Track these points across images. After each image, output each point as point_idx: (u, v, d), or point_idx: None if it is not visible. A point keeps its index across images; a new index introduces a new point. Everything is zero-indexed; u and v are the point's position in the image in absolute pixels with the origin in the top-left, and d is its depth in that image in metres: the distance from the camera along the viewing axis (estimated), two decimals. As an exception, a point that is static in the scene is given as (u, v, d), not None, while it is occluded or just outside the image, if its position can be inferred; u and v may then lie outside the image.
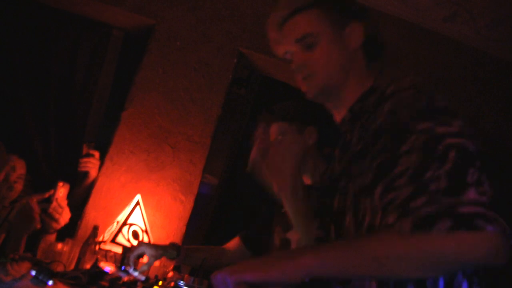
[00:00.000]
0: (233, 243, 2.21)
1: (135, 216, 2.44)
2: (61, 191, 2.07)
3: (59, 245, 2.12)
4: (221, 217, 2.99)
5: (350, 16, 1.18)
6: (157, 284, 1.95)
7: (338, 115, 1.20)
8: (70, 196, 2.16)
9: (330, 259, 0.91)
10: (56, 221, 2.08)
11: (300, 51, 1.18)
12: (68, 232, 2.35)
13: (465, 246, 0.80)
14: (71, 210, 2.17)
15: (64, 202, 2.10)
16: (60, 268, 1.89)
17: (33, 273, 1.02)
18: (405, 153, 0.90)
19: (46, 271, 1.04)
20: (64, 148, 2.86)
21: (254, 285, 0.92)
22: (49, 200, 2.06)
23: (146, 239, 2.42)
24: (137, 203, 2.45)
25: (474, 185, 0.85)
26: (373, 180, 0.96)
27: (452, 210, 0.81)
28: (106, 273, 1.81)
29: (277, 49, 1.25)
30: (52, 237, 2.15)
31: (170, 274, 2.30)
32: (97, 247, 2.25)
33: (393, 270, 0.87)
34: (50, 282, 1.02)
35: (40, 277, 1.02)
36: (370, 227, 0.98)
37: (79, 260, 2.12)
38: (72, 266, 2.11)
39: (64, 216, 2.11)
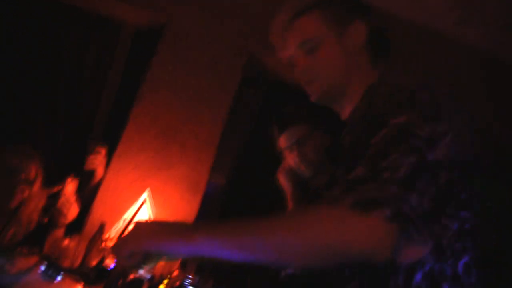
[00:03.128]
0: None
1: (142, 213, 2.43)
2: (70, 187, 2.08)
3: (66, 241, 2.12)
4: (228, 216, 2.98)
5: (352, 14, 1.17)
6: (162, 283, 1.94)
7: (344, 116, 1.20)
8: (78, 193, 2.16)
9: (221, 237, 0.89)
10: (64, 216, 2.09)
11: (302, 55, 1.18)
12: (75, 228, 2.35)
13: (381, 240, 0.81)
14: (79, 206, 2.17)
15: (72, 198, 2.10)
16: (66, 264, 1.89)
17: (43, 267, 1.01)
18: (373, 145, 0.89)
19: (55, 266, 1.04)
20: (72, 144, 2.86)
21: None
22: (57, 195, 2.06)
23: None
24: (144, 201, 2.45)
25: (420, 191, 0.84)
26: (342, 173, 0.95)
27: (396, 203, 0.82)
28: (111, 270, 1.81)
29: (281, 55, 1.25)
30: (60, 232, 2.15)
31: (175, 272, 2.30)
32: (103, 244, 2.25)
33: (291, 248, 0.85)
34: (59, 277, 1.01)
35: (50, 272, 1.01)
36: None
37: (85, 257, 2.12)
38: (78, 262, 2.11)
39: (72, 211, 2.11)
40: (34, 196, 2.05)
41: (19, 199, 1.99)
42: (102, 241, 2.22)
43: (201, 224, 1.02)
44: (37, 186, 2.08)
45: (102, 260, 1.94)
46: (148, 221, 1.02)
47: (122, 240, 1.02)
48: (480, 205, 0.97)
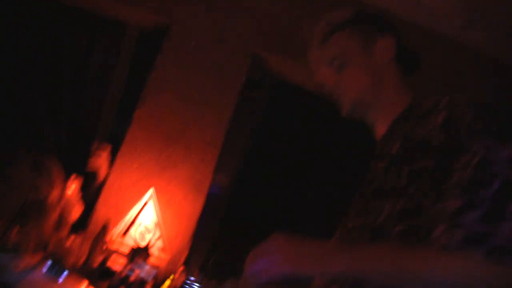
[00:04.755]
0: None
1: (146, 213, 2.44)
2: (73, 185, 2.08)
3: (70, 240, 2.13)
4: (231, 217, 2.98)
5: (379, 30, 1.20)
6: (165, 282, 1.95)
7: (378, 132, 1.20)
8: (81, 193, 2.17)
9: (366, 268, 0.89)
10: (68, 215, 2.09)
11: (332, 73, 1.20)
12: (79, 227, 2.36)
13: (492, 275, 0.80)
14: (83, 205, 2.18)
15: (75, 197, 2.10)
16: (70, 263, 1.89)
17: (48, 265, 1.01)
18: (457, 170, 0.89)
19: (60, 264, 1.04)
20: (77, 145, 2.87)
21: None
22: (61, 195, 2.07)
23: (156, 237, 2.42)
24: (148, 201, 2.46)
25: (510, 219, 0.83)
26: (405, 185, 0.95)
27: (489, 239, 0.81)
28: (115, 270, 1.81)
29: (316, 78, 1.26)
30: (64, 230, 2.15)
31: (179, 272, 2.31)
32: (106, 244, 2.25)
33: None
34: (64, 275, 1.01)
35: (55, 270, 1.01)
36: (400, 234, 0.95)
37: (89, 256, 2.12)
38: (82, 261, 2.12)
39: (76, 211, 2.12)
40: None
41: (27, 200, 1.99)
42: (105, 241, 2.23)
43: (341, 249, 0.96)
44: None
45: (105, 260, 1.94)
46: (283, 240, 0.95)
47: (257, 254, 0.97)
48: None
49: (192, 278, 1.88)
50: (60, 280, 0.99)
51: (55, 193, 1.96)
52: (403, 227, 0.95)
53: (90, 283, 1.11)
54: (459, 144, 0.91)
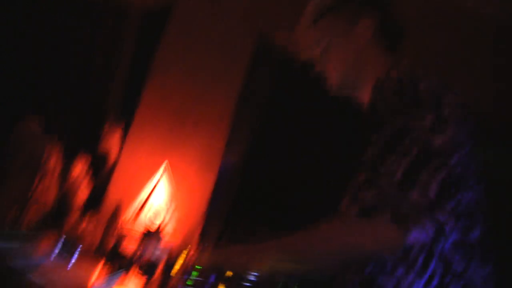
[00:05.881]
0: None
1: (157, 194, 2.45)
2: (79, 166, 2.09)
3: (84, 222, 2.15)
4: (243, 193, 2.99)
5: (362, 11, 1.27)
6: (179, 260, 1.96)
7: (363, 100, 1.27)
8: (89, 173, 2.17)
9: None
10: (75, 196, 2.11)
11: (317, 53, 1.29)
12: (93, 209, 2.38)
13: (387, 240, 0.94)
14: (91, 186, 2.19)
15: (81, 177, 2.11)
16: (85, 244, 1.91)
17: (58, 248, 1.02)
18: (372, 144, 1.01)
19: (71, 246, 1.04)
20: (86, 126, 2.87)
21: None
22: (68, 176, 2.08)
23: (168, 217, 2.44)
24: (159, 181, 2.47)
25: (421, 186, 0.93)
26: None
27: (394, 206, 0.92)
28: (128, 250, 1.83)
29: (302, 55, 1.35)
30: (76, 213, 2.17)
31: (192, 250, 2.32)
32: (120, 225, 2.27)
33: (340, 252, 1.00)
34: (75, 258, 1.02)
35: (66, 253, 1.02)
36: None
37: (103, 237, 2.15)
38: (97, 243, 2.14)
39: (83, 191, 2.12)
40: (53, 180, 2.07)
41: (38, 184, 2.01)
42: (119, 222, 2.25)
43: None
44: (56, 170, 2.09)
45: (119, 240, 1.96)
46: None
47: None
48: (487, 180, 1.00)
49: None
50: (72, 261, 1.00)
51: (53, 161, 1.99)
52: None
53: (104, 264, 1.12)
54: (380, 118, 1.03)
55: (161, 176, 2.48)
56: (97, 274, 1.02)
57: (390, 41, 1.28)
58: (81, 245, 1.86)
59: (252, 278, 1.58)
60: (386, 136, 0.98)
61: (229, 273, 1.34)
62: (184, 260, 1.89)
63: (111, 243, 2.05)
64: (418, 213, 0.92)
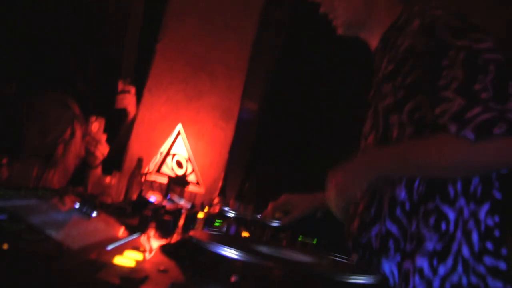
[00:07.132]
0: None
1: (178, 146, 2.46)
2: (95, 126, 2.10)
3: (107, 178, 2.17)
4: (263, 142, 2.97)
5: None
6: (202, 210, 1.97)
7: (372, 45, 1.28)
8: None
9: (401, 160, 1.01)
10: (93, 154, 2.12)
11: None
12: (115, 165, 2.40)
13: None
14: (108, 144, 2.20)
15: (98, 136, 2.12)
16: (109, 200, 1.94)
17: (77, 205, 1.03)
18: (447, 67, 0.97)
19: (89, 203, 1.05)
20: (101, 85, 2.87)
21: None
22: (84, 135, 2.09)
23: (190, 168, 2.45)
24: (179, 133, 2.47)
25: None
26: (403, 97, 1.04)
27: (504, 115, 0.90)
28: (151, 202, 1.84)
29: None
30: (98, 170, 2.20)
31: (216, 200, 2.34)
32: (143, 178, 2.30)
33: (453, 172, 0.98)
34: (94, 214, 1.02)
35: (84, 209, 1.03)
36: (397, 142, 1.06)
37: (127, 192, 2.17)
38: (121, 198, 2.18)
39: (101, 149, 2.14)
40: (76, 141, 2.08)
41: (61, 146, 2.03)
42: (141, 175, 2.27)
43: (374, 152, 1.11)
44: (78, 133, 2.10)
45: (140, 194, 1.98)
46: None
47: (338, 172, 1.04)
48: None
49: (229, 206, 1.90)
50: (91, 217, 1.01)
51: (79, 131, 2.00)
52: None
53: (122, 217, 1.14)
54: (442, 42, 0.99)
55: (181, 128, 2.48)
56: (119, 228, 1.03)
57: None
58: (107, 200, 1.89)
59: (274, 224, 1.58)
60: (458, 59, 0.97)
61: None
62: (208, 210, 1.90)
63: (135, 195, 2.07)
64: None
